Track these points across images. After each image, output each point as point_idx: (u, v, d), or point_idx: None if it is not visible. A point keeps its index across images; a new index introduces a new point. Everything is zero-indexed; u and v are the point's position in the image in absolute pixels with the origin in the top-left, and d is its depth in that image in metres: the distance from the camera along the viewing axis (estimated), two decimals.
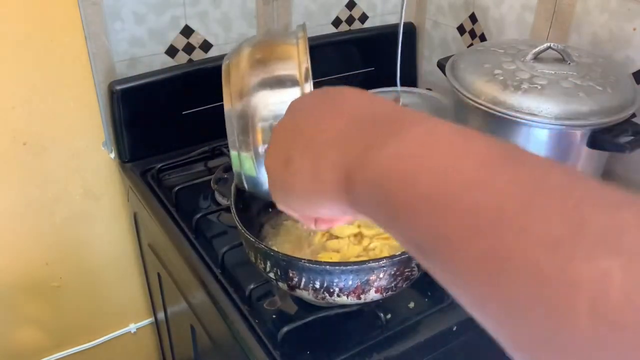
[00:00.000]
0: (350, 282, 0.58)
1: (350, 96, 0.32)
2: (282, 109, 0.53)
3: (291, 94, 0.55)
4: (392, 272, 0.59)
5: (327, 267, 0.58)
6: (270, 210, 0.74)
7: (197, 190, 0.89)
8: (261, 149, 0.57)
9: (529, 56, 0.78)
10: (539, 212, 0.20)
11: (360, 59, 1.13)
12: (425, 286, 0.70)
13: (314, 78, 0.56)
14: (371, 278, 0.58)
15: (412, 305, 0.69)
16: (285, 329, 0.63)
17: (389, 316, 0.67)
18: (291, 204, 0.34)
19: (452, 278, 0.23)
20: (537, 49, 0.78)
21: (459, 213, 0.22)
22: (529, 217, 0.20)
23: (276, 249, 0.60)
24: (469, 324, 0.54)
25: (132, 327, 1.21)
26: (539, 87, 0.73)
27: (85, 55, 0.90)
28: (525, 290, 0.20)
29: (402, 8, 0.52)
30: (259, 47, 0.57)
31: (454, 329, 0.66)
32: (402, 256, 0.58)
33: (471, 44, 1.09)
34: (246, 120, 0.56)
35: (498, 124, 0.75)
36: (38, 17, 0.84)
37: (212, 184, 0.88)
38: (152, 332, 1.24)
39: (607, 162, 0.82)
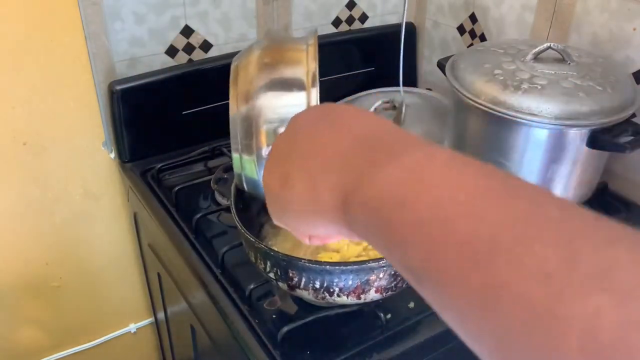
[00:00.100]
0: (350, 282, 0.58)
1: (351, 116, 0.32)
2: (288, 112, 0.53)
3: (297, 99, 0.55)
4: (392, 272, 0.59)
5: (327, 267, 0.58)
6: None
7: (197, 190, 0.89)
8: (264, 151, 0.57)
9: (529, 56, 0.78)
10: (532, 245, 0.20)
11: (360, 59, 1.13)
12: None
13: None
14: (371, 278, 0.58)
15: (412, 305, 0.69)
16: (285, 329, 0.63)
17: (389, 316, 0.67)
18: (287, 220, 0.34)
19: (445, 307, 0.24)
20: (537, 49, 0.78)
21: (452, 243, 0.22)
22: (523, 249, 0.20)
23: (276, 249, 0.60)
24: None
25: (132, 327, 1.21)
26: (539, 87, 0.73)
27: (85, 55, 0.90)
28: (518, 324, 0.20)
29: (404, 8, 0.52)
30: (268, 51, 0.57)
31: None
32: None
33: (471, 44, 1.09)
34: (250, 123, 0.56)
35: (498, 124, 0.75)
36: (38, 17, 0.84)
37: (212, 184, 0.88)
38: (152, 332, 1.24)
39: (607, 162, 0.82)
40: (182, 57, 0.99)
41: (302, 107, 0.55)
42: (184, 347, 1.04)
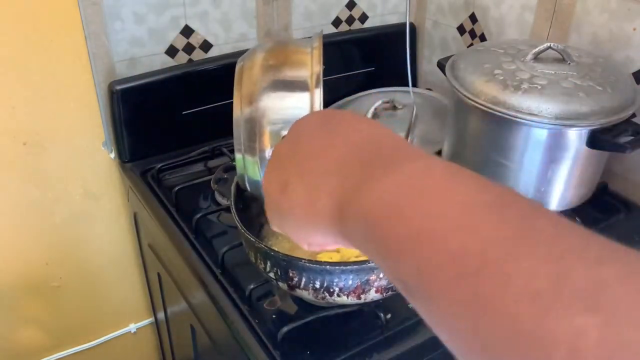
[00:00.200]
0: (350, 282, 0.58)
1: (352, 124, 0.32)
2: (291, 114, 0.53)
3: (301, 100, 0.55)
4: None
5: (327, 267, 0.58)
6: None
7: (197, 190, 0.89)
8: (267, 153, 0.57)
9: (529, 56, 0.78)
10: (521, 261, 0.20)
11: (360, 59, 1.13)
12: None
13: None
14: (371, 278, 0.58)
15: (412, 305, 0.69)
16: (285, 329, 0.63)
17: (389, 316, 0.67)
18: (285, 227, 0.34)
19: (435, 320, 0.24)
20: (537, 49, 0.78)
21: (444, 255, 0.22)
22: (512, 265, 0.20)
23: (276, 249, 0.60)
24: None
25: (132, 327, 1.21)
26: (539, 87, 0.73)
27: (85, 55, 0.90)
28: (504, 340, 0.20)
29: (407, 8, 0.53)
30: (272, 53, 0.58)
31: None
32: None
33: (471, 44, 1.09)
34: (254, 125, 0.56)
35: (498, 124, 0.75)
36: (38, 17, 0.84)
37: (212, 184, 0.88)
38: (152, 332, 1.24)
39: (607, 162, 0.82)
40: (182, 57, 0.99)
41: (306, 109, 0.55)
42: (184, 347, 1.04)
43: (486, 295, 0.20)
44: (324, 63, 0.61)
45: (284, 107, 0.55)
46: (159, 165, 0.93)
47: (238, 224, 0.62)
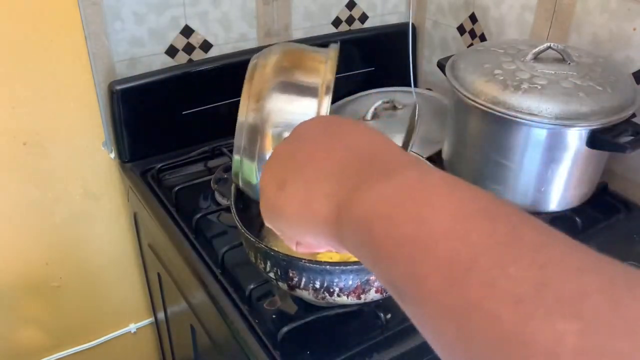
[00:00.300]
0: (350, 282, 0.58)
1: (354, 131, 0.32)
2: (295, 118, 0.54)
3: (308, 106, 0.55)
4: None
5: (327, 266, 0.58)
6: None
7: (197, 190, 0.89)
8: (267, 155, 0.57)
9: (529, 56, 0.78)
10: (508, 268, 0.21)
11: (360, 59, 1.13)
12: None
13: None
14: (371, 278, 0.58)
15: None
16: (285, 329, 0.63)
17: (389, 316, 0.67)
18: (278, 225, 0.34)
19: (424, 322, 0.24)
20: (537, 49, 0.78)
21: (434, 260, 0.23)
22: (498, 272, 0.21)
23: (276, 249, 0.60)
24: None
25: (132, 327, 1.21)
26: (539, 87, 0.73)
27: (85, 55, 0.90)
28: (488, 345, 0.20)
29: (410, 9, 0.53)
30: (288, 56, 0.58)
31: None
32: None
33: (471, 44, 1.09)
34: (257, 125, 0.56)
35: (498, 124, 0.75)
36: (38, 17, 0.84)
37: (212, 184, 0.88)
38: (152, 332, 1.24)
39: (607, 162, 0.82)
40: (182, 57, 0.99)
41: (312, 115, 0.55)
42: (184, 347, 1.04)
43: (473, 300, 0.21)
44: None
45: (290, 110, 0.55)
46: (159, 165, 0.93)
47: (238, 224, 0.62)
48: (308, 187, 0.30)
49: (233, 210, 0.64)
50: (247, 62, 1.00)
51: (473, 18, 1.07)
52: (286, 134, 0.36)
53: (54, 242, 1.02)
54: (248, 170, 0.59)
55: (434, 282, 0.23)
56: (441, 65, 0.86)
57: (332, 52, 0.58)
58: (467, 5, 1.08)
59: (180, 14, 0.95)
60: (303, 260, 0.58)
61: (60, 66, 0.89)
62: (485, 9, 1.04)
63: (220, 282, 0.72)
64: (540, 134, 0.73)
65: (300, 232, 0.33)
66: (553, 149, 0.74)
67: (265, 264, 0.61)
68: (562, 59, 0.77)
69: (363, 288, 0.59)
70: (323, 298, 0.60)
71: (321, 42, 1.08)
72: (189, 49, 0.99)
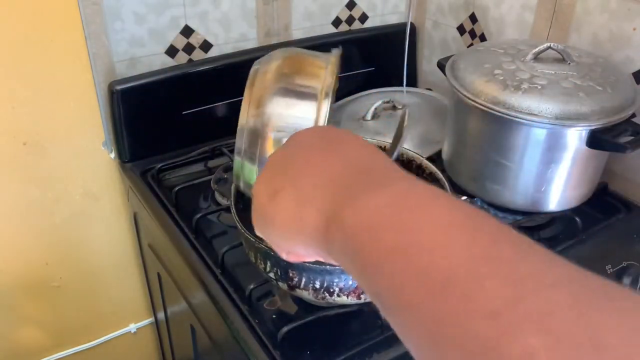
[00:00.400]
0: (350, 282, 0.58)
1: (347, 143, 0.33)
2: (296, 123, 0.55)
3: (307, 111, 0.56)
4: None
5: (327, 266, 0.58)
6: None
7: (197, 190, 0.89)
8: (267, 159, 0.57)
9: (529, 56, 0.78)
10: (484, 281, 0.21)
11: (360, 59, 1.14)
12: None
13: None
14: None
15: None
16: (285, 329, 0.63)
17: None
18: (268, 234, 0.35)
19: (404, 333, 0.25)
20: (537, 49, 0.78)
21: (414, 271, 0.24)
22: (475, 285, 0.22)
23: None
24: None
25: (132, 327, 1.21)
26: (539, 87, 0.73)
27: (85, 55, 0.90)
28: (463, 357, 0.21)
29: (409, 9, 0.53)
30: (289, 61, 0.59)
31: None
32: None
33: (471, 44, 1.09)
34: (258, 129, 0.56)
35: (498, 124, 0.75)
36: (38, 17, 0.84)
37: (212, 184, 0.88)
38: (152, 332, 1.24)
39: (607, 162, 0.82)
40: (182, 57, 0.99)
41: (311, 119, 0.56)
42: (184, 347, 1.04)
43: (448, 313, 0.22)
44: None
45: (290, 114, 0.56)
46: (159, 165, 0.93)
47: (238, 224, 0.62)
48: (299, 197, 0.31)
49: (233, 210, 0.64)
50: (247, 62, 1.00)
51: (473, 18, 1.07)
52: (286, 139, 0.36)
53: (54, 242, 1.02)
54: (249, 173, 0.59)
55: (413, 292, 0.23)
56: (441, 65, 0.86)
57: (333, 58, 0.59)
58: (467, 5, 1.08)
59: (180, 14, 0.95)
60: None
61: (60, 66, 0.89)
62: (485, 9, 1.04)
63: (220, 282, 0.72)
64: (540, 134, 0.73)
65: (290, 241, 0.33)
66: (553, 149, 0.74)
67: (265, 264, 0.61)
68: (562, 59, 0.77)
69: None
70: (323, 298, 0.60)
71: (321, 42, 1.08)
72: (189, 49, 0.99)
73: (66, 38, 0.87)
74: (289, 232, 0.32)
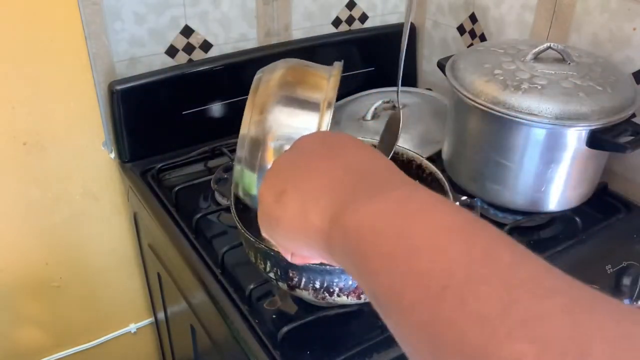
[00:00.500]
0: (350, 282, 0.58)
1: (350, 148, 0.34)
2: (297, 132, 0.56)
3: (309, 121, 0.57)
4: None
5: (327, 267, 0.58)
6: None
7: (197, 190, 0.89)
8: (268, 167, 0.58)
9: (529, 56, 0.78)
10: (479, 286, 0.22)
11: (360, 59, 1.14)
12: None
13: None
14: None
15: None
16: (285, 329, 0.63)
17: None
18: (274, 235, 0.36)
19: (401, 336, 0.25)
20: (537, 49, 0.78)
21: (412, 275, 0.24)
22: (470, 289, 0.22)
23: (276, 249, 0.60)
24: None
25: (132, 327, 1.21)
26: (539, 87, 0.73)
27: (85, 55, 0.90)
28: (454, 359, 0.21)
29: (410, 9, 0.53)
30: (292, 71, 0.60)
31: None
32: None
33: (471, 44, 1.09)
34: (259, 137, 0.57)
35: (498, 124, 0.75)
36: (38, 17, 0.84)
37: (212, 184, 0.88)
38: (152, 332, 1.24)
39: (607, 162, 0.82)
40: (182, 57, 0.99)
41: (312, 129, 0.57)
42: (184, 347, 1.04)
43: (444, 317, 0.22)
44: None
45: (291, 123, 0.57)
46: (159, 165, 0.93)
47: (238, 224, 0.62)
48: (304, 199, 0.32)
49: (233, 210, 0.64)
50: (247, 62, 1.01)
51: (473, 18, 1.07)
52: (287, 147, 0.37)
53: (54, 242, 1.02)
54: (248, 181, 0.60)
55: (411, 296, 0.24)
56: (441, 65, 0.86)
57: (335, 70, 0.60)
58: (467, 5, 1.08)
59: (180, 14, 0.95)
60: None
61: (60, 66, 0.89)
62: (485, 9, 1.04)
63: (220, 282, 0.72)
64: (540, 134, 0.74)
65: (295, 242, 0.34)
66: (553, 149, 0.74)
67: (265, 264, 0.61)
68: (562, 59, 0.77)
69: None
70: (323, 298, 0.60)
71: (321, 42, 1.08)
72: (189, 49, 0.99)
73: (66, 38, 0.87)
74: (294, 234, 0.33)
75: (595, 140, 0.72)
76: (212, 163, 0.97)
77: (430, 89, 1.14)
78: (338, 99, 1.14)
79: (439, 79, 1.12)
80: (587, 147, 0.73)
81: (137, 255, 1.11)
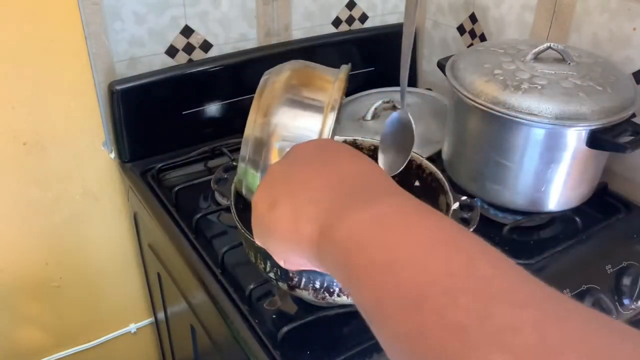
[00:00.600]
0: None
1: (344, 158, 0.35)
2: (301, 134, 0.57)
3: (312, 123, 0.57)
4: None
5: None
6: None
7: (197, 190, 0.89)
8: None
9: (529, 56, 0.78)
10: (458, 297, 0.22)
11: (360, 59, 1.14)
12: None
13: None
14: None
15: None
16: (285, 329, 0.63)
17: None
18: (267, 243, 0.36)
19: (387, 346, 0.26)
20: (537, 49, 0.78)
21: (393, 286, 0.25)
22: (448, 300, 0.23)
23: None
24: None
25: (132, 327, 1.21)
26: (539, 87, 0.73)
27: (85, 55, 0.90)
28: None
29: (416, 7, 0.54)
30: (298, 74, 0.60)
31: None
32: None
33: (471, 44, 1.09)
34: (263, 138, 0.57)
35: (498, 124, 0.75)
36: (38, 17, 0.84)
37: (212, 184, 0.87)
38: (152, 332, 1.24)
39: (607, 162, 0.82)
40: (182, 57, 0.99)
41: (316, 132, 0.57)
42: (184, 347, 1.04)
43: (423, 328, 0.23)
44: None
45: (295, 125, 0.57)
46: (159, 165, 0.93)
47: (238, 224, 0.62)
48: (295, 209, 0.33)
49: (233, 210, 0.64)
50: (247, 62, 1.01)
51: (473, 18, 1.07)
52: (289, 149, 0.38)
53: (54, 242, 1.02)
54: (252, 179, 0.60)
55: (391, 307, 0.24)
56: (441, 65, 0.86)
57: (342, 74, 0.60)
58: (467, 5, 1.08)
59: (180, 14, 0.95)
60: None
61: (60, 66, 0.89)
62: (485, 9, 1.04)
63: (220, 282, 0.72)
64: (540, 134, 0.74)
65: (286, 251, 0.35)
66: (553, 149, 0.74)
67: (265, 264, 0.61)
68: (562, 59, 0.77)
69: None
70: (323, 298, 0.60)
71: (321, 42, 1.08)
72: (189, 49, 0.99)
73: (66, 38, 0.87)
74: (285, 242, 0.34)
75: (595, 140, 0.72)
76: (212, 163, 0.97)
77: (430, 89, 1.14)
78: None
79: (439, 79, 1.12)
80: (587, 147, 0.73)
81: (137, 255, 1.11)
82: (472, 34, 1.09)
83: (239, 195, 0.67)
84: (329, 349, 0.63)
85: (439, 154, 0.92)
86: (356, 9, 1.13)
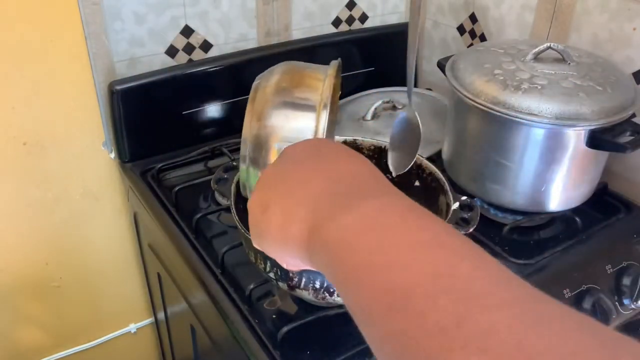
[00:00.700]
0: None
1: (336, 158, 0.35)
2: (297, 134, 0.58)
3: (306, 122, 0.58)
4: None
5: None
6: None
7: (197, 190, 0.89)
8: None
9: (529, 56, 0.78)
10: (438, 299, 0.23)
11: (360, 59, 1.14)
12: None
13: None
14: None
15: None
16: (285, 329, 0.63)
17: None
18: (263, 245, 0.37)
19: (373, 346, 0.26)
20: (537, 49, 0.78)
21: (376, 289, 0.25)
22: (429, 302, 0.23)
23: None
24: None
25: (132, 327, 1.21)
26: (539, 87, 0.73)
27: (85, 55, 0.90)
28: None
29: (417, 7, 0.54)
30: (287, 76, 0.61)
31: None
32: None
33: (471, 44, 1.09)
34: (261, 140, 0.58)
35: (498, 124, 0.75)
36: (38, 17, 0.84)
37: (212, 184, 0.87)
38: (152, 332, 1.24)
39: (607, 162, 0.82)
40: (182, 57, 0.99)
41: (311, 130, 0.58)
42: (184, 347, 1.04)
43: (405, 329, 0.23)
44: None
45: (290, 127, 0.58)
46: (159, 165, 0.93)
47: (238, 224, 0.62)
48: (287, 211, 0.33)
49: (233, 210, 0.64)
50: (247, 62, 1.01)
51: (473, 18, 1.07)
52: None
53: (54, 242, 1.02)
54: (254, 179, 0.60)
55: (374, 308, 0.25)
56: (441, 65, 0.86)
57: (331, 70, 0.61)
58: (467, 5, 1.08)
59: (180, 14, 0.95)
60: None
61: (60, 66, 0.89)
62: (485, 9, 1.04)
63: (220, 282, 0.72)
64: (540, 134, 0.74)
65: (280, 253, 0.35)
66: (553, 149, 0.74)
67: (265, 264, 0.61)
68: (562, 59, 0.77)
69: None
70: (323, 298, 0.60)
71: (321, 42, 1.08)
72: (189, 49, 0.99)
73: (66, 38, 0.87)
74: (279, 244, 0.34)
75: (595, 140, 0.72)
76: (212, 163, 0.97)
77: (430, 89, 1.14)
78: (338, 99, 1.14)
79: (439, 79, 1.12)
80: (587, 147, 0.73)
81: (137, 255, 1.11)
82: (472, 34, 1.09)
83: (239, 195, 0.67)
84: (329, 349, 0.63)
85: (439, 154, 0.92)
86: (356, 9, 1.13)
